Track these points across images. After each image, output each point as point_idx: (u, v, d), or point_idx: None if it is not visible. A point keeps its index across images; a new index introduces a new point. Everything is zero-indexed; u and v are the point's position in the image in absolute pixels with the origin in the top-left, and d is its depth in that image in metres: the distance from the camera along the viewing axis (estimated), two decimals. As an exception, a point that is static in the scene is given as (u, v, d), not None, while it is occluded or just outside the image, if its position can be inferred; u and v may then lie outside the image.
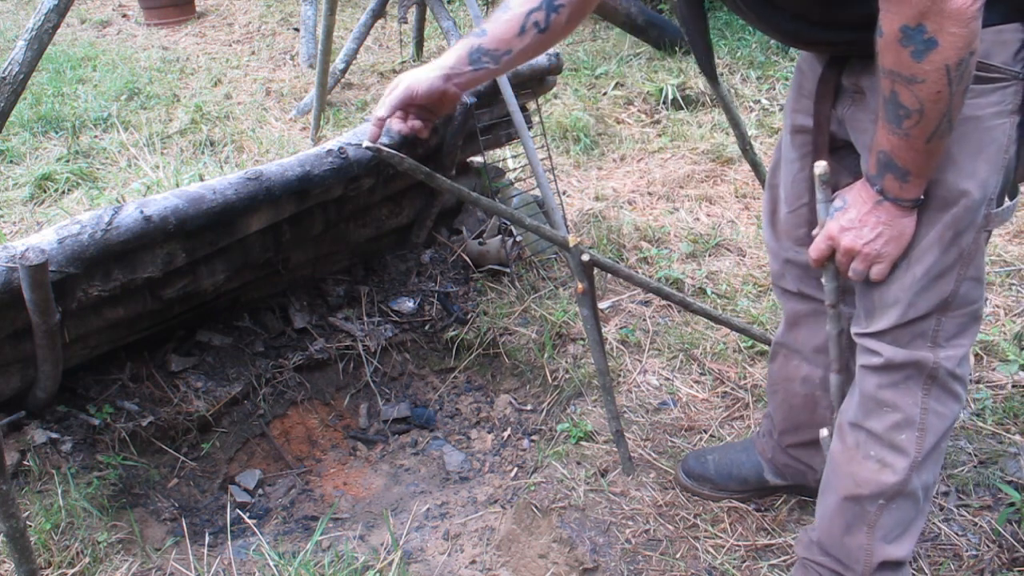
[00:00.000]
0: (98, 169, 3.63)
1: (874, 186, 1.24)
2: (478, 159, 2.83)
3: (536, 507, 1.93)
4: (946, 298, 1.33)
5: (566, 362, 2.41)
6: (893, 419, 1.40)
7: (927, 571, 1.71)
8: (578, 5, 1.46)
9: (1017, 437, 2.04)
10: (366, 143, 1.50)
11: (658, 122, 4.25)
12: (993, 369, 2.27)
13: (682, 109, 4.33)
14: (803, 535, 1.64)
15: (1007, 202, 1.31)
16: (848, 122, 1.39)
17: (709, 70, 1.89)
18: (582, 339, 2.45)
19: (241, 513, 2.03)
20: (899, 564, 1.48)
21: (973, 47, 1.07)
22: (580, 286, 1.81)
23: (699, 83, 4.40)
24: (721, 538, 1.81)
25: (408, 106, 1.48)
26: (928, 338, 1.35)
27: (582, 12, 1.48)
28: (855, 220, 1.27)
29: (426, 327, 2.64)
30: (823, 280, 1.40)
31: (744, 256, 2.94)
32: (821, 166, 1.29)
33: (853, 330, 1.46)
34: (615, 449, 2.00)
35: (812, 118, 1.44)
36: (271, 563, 1.76)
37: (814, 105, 1.43)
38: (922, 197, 1.25)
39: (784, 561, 1.74)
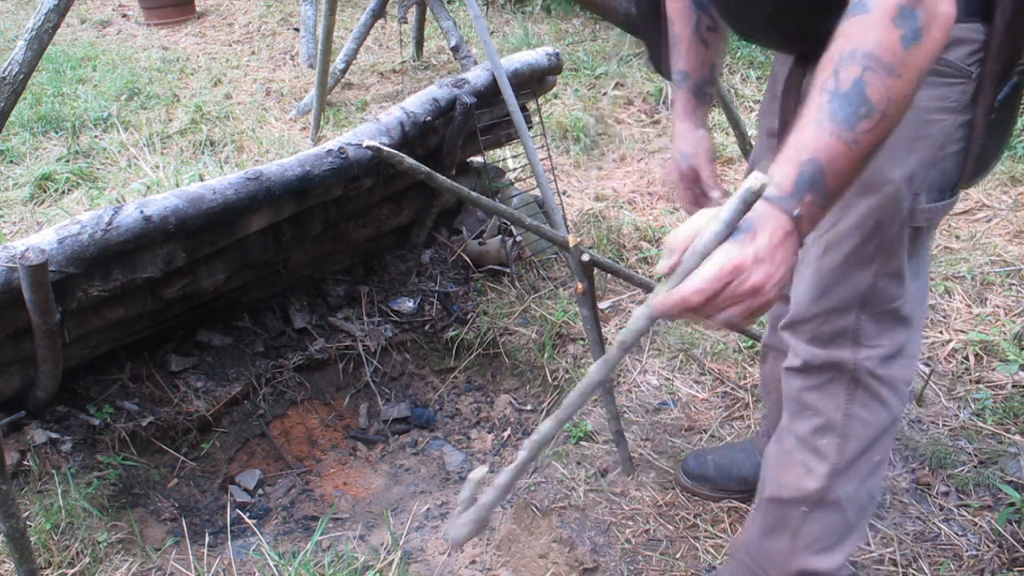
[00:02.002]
0: (98, 169, 3.63)
1: (791, 210, 0.94)
2: (478, 159, 2.83)
3: (536, 507, 1.93)
4: (864, 292, 1.27)
5: (566, 362, 2.41)
6: (814, 423, 1.37)
7: (927, 571, 1.71)
8: None
9: (1017, 437, 2.04)
10: (367, 142, 1.50)
11: (658, 122, 4.25)
12: (993, 369, 2.27)
13: (682, 109, 4.32)
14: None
15: (937, 202, 1.25)
16: None
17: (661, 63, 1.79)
18: (582, 339, 2.45)
19: (241, 513, 2.03)
20: None
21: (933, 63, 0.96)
22: (580, 286, 1.81)
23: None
24: (721, 538, 1.81)
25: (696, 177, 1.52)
26: (848, 336, 1.31)
27: None
28: (766, 250, 0.94)
29: (426, 327, 2.64)
30: (637, 313, 1.01)
31: (744, 256, 2.94)
32: (758, 180, 0.90)
33: (781, 324, 1.42)
34: (615, 449, 2.00)
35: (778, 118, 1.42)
36: (271, 563, 1.76)
37: (780, 104, 1.39)
38: None
39: (784, 561, 1.74)
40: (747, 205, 0.91)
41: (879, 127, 0.93)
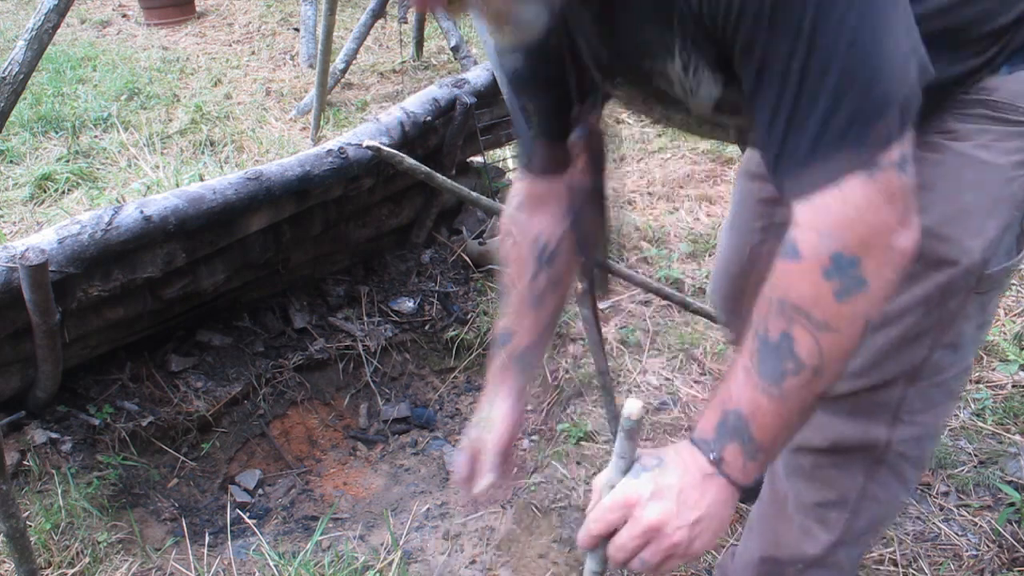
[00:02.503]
0: (98, 169, 3.63)
1: (708, 452, 0.88)
2: (478, 159, 2.83)
3: (536, 507, 1.93)
4: (917, 364, 1.13)
5: (566, 362, 2.41)
6: (825, 495, 1.26)
7: (927, 571, 1.71)
8: (567, 243, 1.25)
9: (1017, 437, 2.04)
10: (367, 142, 1.49)
11: (659, 121, 4.25)
12: (993, 369, 2.27)
13: (682, 109, 4.32)
14: (724, 560, 1.58)
15: (1006, 264, 1.12)
16: None
17: None
18: (582, 339, 2.45)
19: (241, 513, 2.03)
20: None
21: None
22: (580, 286, 1.81)
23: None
24: (721, 538, 1.81)
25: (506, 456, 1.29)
26: (890, 411, 1.17)
27: (572, 247, 1.26)
28: (673, 489, 0.87)
29: (426, 327, 2.64)
30: (586, 563, 0.95)
31: (744, 256, 2.94)
32: (634, 407, 0.87)
33: None
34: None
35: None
36: (271, 563, 1.76)
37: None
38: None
39: (784, 561, 1.74)
40: (628, 434, 0.88)
41: (813, 382, 0.84)
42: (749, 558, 1.43)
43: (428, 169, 1.58)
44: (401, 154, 1.53)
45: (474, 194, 1.69)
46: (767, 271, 1.20)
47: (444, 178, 1.62)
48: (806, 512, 1.29)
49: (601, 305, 2.66)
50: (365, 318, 2.59)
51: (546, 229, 1.24)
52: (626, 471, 0.91)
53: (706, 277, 2.77)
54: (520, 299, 1.27)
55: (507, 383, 1.27)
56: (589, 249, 1.26)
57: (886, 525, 1.33)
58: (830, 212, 0.78)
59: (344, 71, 4.55)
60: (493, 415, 1.26)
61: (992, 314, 1.21)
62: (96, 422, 2.05)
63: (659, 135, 4.08)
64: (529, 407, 2.42)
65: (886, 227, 0.79)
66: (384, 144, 2.13)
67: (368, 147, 1.48)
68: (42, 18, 3.02)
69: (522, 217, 1.26)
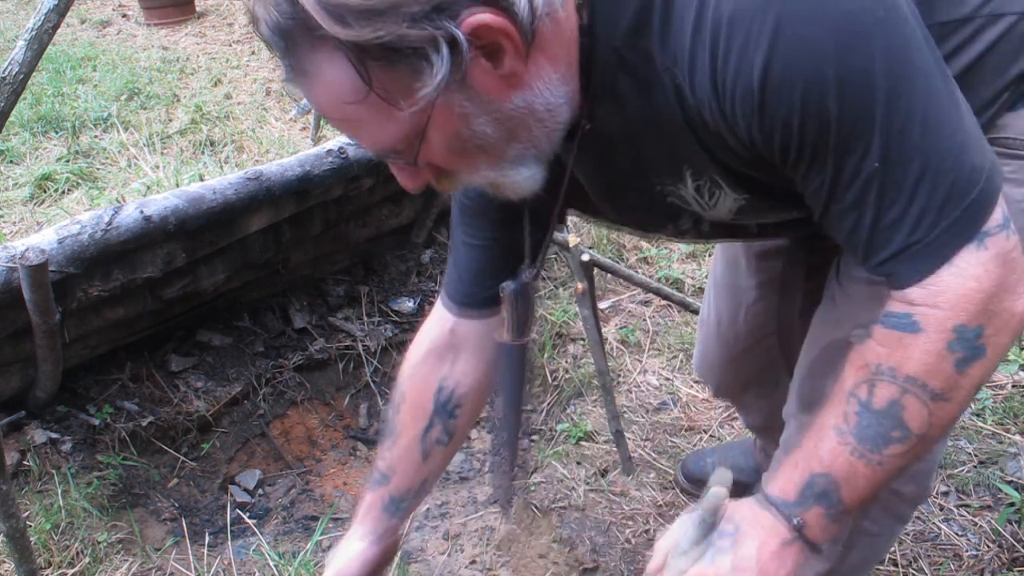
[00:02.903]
0: (98, 169, 3.63)
1: (791, 518, 0.85)
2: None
3: (536, 507, 1.93)
4: None
5: (566, 362, 2.41)
6: None
7: (927, 571, 1.71)
8: (479, 383, 1.20)
9: (1017, 437, 2.04)
10: None
11: (658, 122, 4.25)
12: (993, 369, 2.27)
13: (682, 109, 4.32)
14: None
15: None
16: None
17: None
18: (582, 339, 2.45)
19: (241, 513, 2.03)
20: None
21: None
22: (580, 286, 1.81)
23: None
24: (721, 538, 1.81)
25: None
26: None
27: (489, 378, 1.20)
28: (752, 561, 0.84)
29: (426, 327, 2.64)
30: None
31: (744, 256, 2.94)
32: (717, 495, 0.84)
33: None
34: (615, 449, 2.00)
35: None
36: (271, 563, 1.76)
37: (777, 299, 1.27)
38: None
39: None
40: (711, 509, 0.85)
41: (913, 450, 0.83)
42: None
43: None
44: (401, 154, 1.53)
45: (474, 194, 1.69)
46: (760, 332, 1.22)
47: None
48: None
49: (601, 305, 2.66)
50: (365, 318, 2.59)
51: (454, 377, 1.18)
52: (702, 540, 0.87)
53: (706, 277, 2.77)
54: (406, 447, 1.20)
55: (370, 525, 1.21)
56: (509, 413, 1.15)
57: (881, 557, 1.32)
58: (949, 288, 0.78)
59: (344, 71, 4.55)
60: (345, 551, 1.20)
61: None
62: (96, 422, 2.05)
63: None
64: (529, 407, 2.42)
65: (1004, 292, 0.79)
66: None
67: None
68: (42, 18, 3.02)
69: (432, 359, 1.18)
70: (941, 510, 1.86)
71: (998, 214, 0.78)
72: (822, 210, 0.82)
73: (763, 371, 1.51)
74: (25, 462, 1.89)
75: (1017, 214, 0.99)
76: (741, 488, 2.04)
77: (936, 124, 0.75)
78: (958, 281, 0.78)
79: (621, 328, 2.52)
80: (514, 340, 1.07)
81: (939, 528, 1.81)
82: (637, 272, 2.79)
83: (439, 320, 1.19)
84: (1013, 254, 0.79)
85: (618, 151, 0.90)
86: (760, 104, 0.74)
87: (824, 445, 0.85)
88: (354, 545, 1.20)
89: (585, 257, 1.77)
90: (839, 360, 1.11)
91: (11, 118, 3.47)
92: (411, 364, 1.21)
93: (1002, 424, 2.09)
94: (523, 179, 0.85)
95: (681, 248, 2.96)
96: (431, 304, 2.65)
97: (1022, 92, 0.99)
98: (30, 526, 1.75)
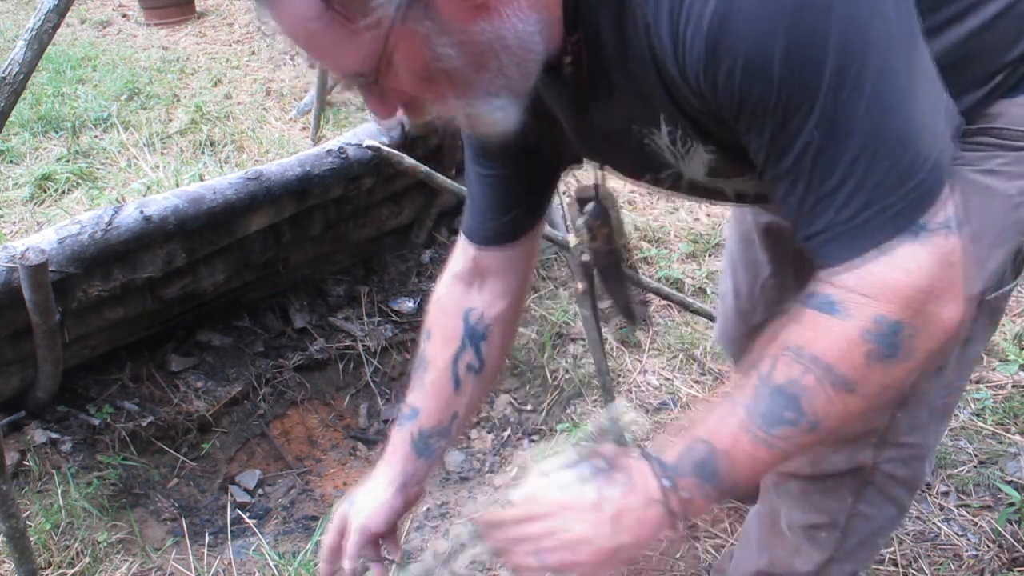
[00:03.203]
0: (98, 169, 3.63)
1: (663, 478, 0.81)
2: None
3: (536, 507, 1.92)
4: (904, 392, 1.08)
5: (566, 362, 2.41)
6: (814, 519, 1.24)
7: (927, 571, 1.71)
8: (507, 312, 1.17)
9: (1017, 437, 2.04)
10: (367, 141, 1.49)
11: (658, 122, 4.25)
12: (993, 369, 2.27)
13: (682, 109, 4.33)
14: (722, 562, 1.58)
15: (1007, 286, 1.08)
16: None
17: None
18: (582, 339, 2.45)
19: (241, 513, 2.03)
20: None
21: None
22: (580, 286, 1.80)
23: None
24: (721, 538, 1.81)
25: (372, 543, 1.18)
26: (876, 434, 1.13)
27: (517, 312, 1.20)
28: (611, 506, 0.81)
29: (426, 327, 2.64)
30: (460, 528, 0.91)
31: (744, 256, 2.94)
32: (622, 412, 0.84)
33: None
34: (615, 449, 2.00)
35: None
36: (271, 563, 1.76)
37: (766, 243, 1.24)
38: None
39: (784, 561, 1.74)
40: (601, 432, 0.83)
41: (805, 438, 0.78)
42: (744, 570, 1.42)
43: (428, 169, 1.58)
44: (401, 154, 1.53)
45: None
46: (776, 306, 1.18)
47: (444, 178, 1.62)
48: (796, 532, 1.28)
49: (601, 305, 2.66)
50: (365, 318, 2.59)
51: (482, 300, 1.16)
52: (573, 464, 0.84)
53: (706, 277, 2.77)
54: (437, 376, 1.17)
55: (398, 466, 1.17)
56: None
57: (879, 544, 1.30)
58: (875, 276, 0.74)
59: (344, 71, 4.54)
60: (370, 498, 1.17)
61: (979, 331, 1.15)
62: (96, 422, 2.05)
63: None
64: (529, 407, 2.43)
65: (935, 295, 0.73)
66: (384, 144, 2.13)
67: (368, 147, 1.48)
68: (42, 18, 3.02)
69: (458, 286, 1.17)
70: (941, 510, 1.86)
71: (944, 212, 0.73)
72: (762, 171, 0.79)
73: None
74: (25, 462, 1.89)
75: (1009, 209, 0.98)
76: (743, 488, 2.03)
77: (885, 103, 0.71)
78: (886, 270, 0.73)
79: (621, 328, 2.52)
80: (508, 303, 1.11)
81: (939, 528, 1.81)
82: (637, 272, 2.79)
83: (462, 251, 1.18)
84: (952, 258, 0.73)
85: (599, 90, 0.87)
86: (708, 53, 0.71)
87: (716, 412, 0.81)
88: (380, 493, 1.17)
89: (585, 257, 1.77)
90: None
91: (11, 118, 3.47)
92: (437, 295, 1.20)
93: (1002, 424, 2.09)
94: (495, 114, 0.81)
95: (681, 248, 2.96)
96: (431, 304, 2.65)
97: (1020, 77, 0.95)
98: (30, 526, 1.75)
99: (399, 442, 1.18)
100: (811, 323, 0.78)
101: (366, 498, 1.17)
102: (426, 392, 1.18)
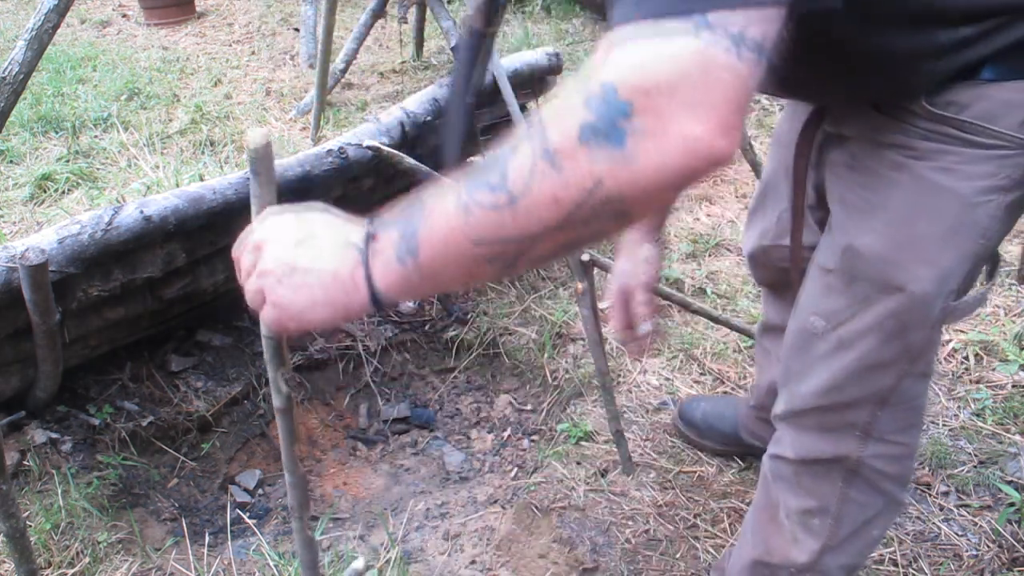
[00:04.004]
0: (98, 169, 3.63)
1: (368, 223, 0.77)
2: (478, 159, 2.82)
3: (536, 507, 1.93)
4: (884, 392, 1.12)
5: (566, 362, 2.41)
6: (807, 504, 1.28)
7: (927, 571, 1.71)
8: None
9: (1017, 437, 2.04)
10: (367, 142, 1.49)
11: (658, 122, 4.24)
12: (993, 369, 2.27)
13: (682, 109, 4.32)
14: (722, 560, 1.62)
15: (975, 290, 1.08)
16: (828, 167, 1.15)
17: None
18: (582, 339, 2.45)
19: (241, 513, 2.03)
20: None
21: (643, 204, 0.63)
22: (580, 286, 1.81)
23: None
24: (721, 538, 1.81)
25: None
26: (859, 429, 1.16)
27: None
28: (313, 225, 0.78)
29: (426, 327, 2.64)
30: None
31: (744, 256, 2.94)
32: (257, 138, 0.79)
33: (774, 411, 1.29)
34: (615, 449, 2.00)
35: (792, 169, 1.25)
36: (271, 563, 1.76)
37: (793, 160, 1.24)
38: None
39: (784, 561, 1.74)
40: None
41: (499, 215, 0.64)
42: (743, 561, 1.45)
43: (429, 169, 1.58)
44: (401, 154, 1.53)
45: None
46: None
47: (445, 178, 1.62)
48: (793, 519, 1.30)
49: (601, 305, 2.66)
50: (365, 318, 2.59)
51: None
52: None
53: (706, 277, 2.77)
54: None
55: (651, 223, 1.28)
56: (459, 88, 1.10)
57: (873, 536, 1.32)
58: (626, 43, 0.61)
59: (344, 71, 4.54)
60: (640, 253, 1.30)
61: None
62: (96, 422, 2.05)
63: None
64: (529, 407, 2.43)
65: (684, 99, 0.58)
66: (384, 144, 2.13)
67: (368, 147, 1.49)
68: (42, 18, 3.02)
69: None
70: (941, 510, 1.86)
71: (739, 24, 0.60)
72: None
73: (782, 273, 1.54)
74: (25, 462, 1.89)
75: (961, 209, 0.97)
76: (718, 435, 2.00)
77: None
78: (640, 43, 0.60)
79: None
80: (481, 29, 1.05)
81: (939, 528, 1.81)
82: (637, 272, 2.79)
83: None
84: (723, 74, 0.59)
85: None
86: None
87: (450, 179, 0.72)
88: (639, 247, 1.32)
89: (585, 257, 1.77)
90: (804, 345, 1.16)
91: (11, 118, 3.48)
92: None
93: (1002, 424, 2.09)
94: None
95: (681, 248, 2.96)
96: (431, 304, 2.65)
97: (995, 53, 0.89)
98: (30, 526, 1.75)
99: None
100: (561, 83, 0.74)
101: (634, 258, 1.31)
102: None
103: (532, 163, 0.62)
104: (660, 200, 0.63)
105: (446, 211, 0.68)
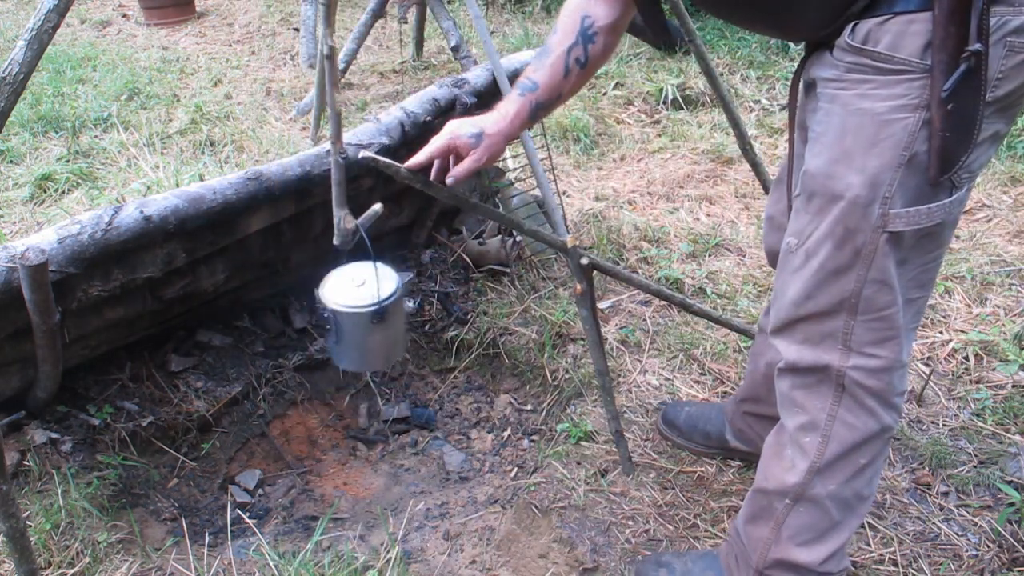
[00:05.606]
0: (98, 169, 3.63)
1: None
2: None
3: (536, 507, 1.93)
4: (850, 297, 1.28)
5: (566, 362, 2.41)
6: (800, 420, 1.41)
7: (927, 571, 1.71)
8: (610, 28, 1.46)
9: (1017, 437, 2.04)
10: (363, 153, 1.52)
11: (658, 122, 4.25)
12: (993, 369, 2.27)
13: (682, 109, 4.33)
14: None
15: (917, 206, 1.21)
16: (806, 114, 1.37)
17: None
18: (582, 339, 2.45)
19: (241, 513, 2.03)
20: (800, 567, 1.47)
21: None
22: (579, 287, 1.81)
23: (699, 83, 4.40)
24: (721, 538, 1.81)
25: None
26: (838, 339, 1.32)
27: (616, 34, 1.48)
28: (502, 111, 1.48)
29: (426, 327, 2.64)
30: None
31: (744, 256, 2.94)
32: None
33: (768, 330, 1.47)
34: (615, 449, 2.00)
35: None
36: (271, 563, 1.76)
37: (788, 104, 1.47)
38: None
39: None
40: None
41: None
42: (749, 493, 1.58)
43: (425, 178, 1.59)
44: (396, 164, 1.55)
45: (472, 200, 1.70)
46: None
47: (440, 185, 1.62)
48: (791, 441, 1.43)
49: (601, 305, 2.66)
50: (365, 318, 2.59)
51: (594, 12, 1.45)
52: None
53: (706, 277, 2.77)
54: (554, 61, 1.47)
55: (516, 122, 1.48)
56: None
57: (860, 464, 1.39)
58: None
59: (344, 71, 4.55)
60: (497, 113, 1.49)
61: (933, 262, 1.32)
62: (96, 422, 2.05)
63: (659, 135, 4.08)
64: (529, 407, 2.43)
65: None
66: (384, 144, 2.13)
67: (364, 159, 1.51)
68: (42, 18, 3.02)
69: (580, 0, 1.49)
70: (941, 510, 1.86)
71: None
72: None
73: None
74: (25, 462, 1.89)
75: (878, 125, 1.17)
76: (701, 435, 2.07)
77: None
78: None
79: (621, 328, 2.52)
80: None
81: (939, 528, 1.81)
82: (637, 272, 2.79)
83: None
84: None
85: None
86: None
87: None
88: (505, 129, 1.50)
89: (584, 261, 1.77)
90: (784, 264, 1.38)
91: (11, 118, 3.48)
92: (567, 4, 1.49)
93: (1002, 424, 2.09)
94: None
95: (681, 248, 2.96)
96: (431, 304, 2.65)
97: None
98: (30, 526, 1.75)
99: (522, 105, 1.48)
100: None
101: (495, 135, 1.49)
102: (544, 72, 1.48)
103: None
104: None
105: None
